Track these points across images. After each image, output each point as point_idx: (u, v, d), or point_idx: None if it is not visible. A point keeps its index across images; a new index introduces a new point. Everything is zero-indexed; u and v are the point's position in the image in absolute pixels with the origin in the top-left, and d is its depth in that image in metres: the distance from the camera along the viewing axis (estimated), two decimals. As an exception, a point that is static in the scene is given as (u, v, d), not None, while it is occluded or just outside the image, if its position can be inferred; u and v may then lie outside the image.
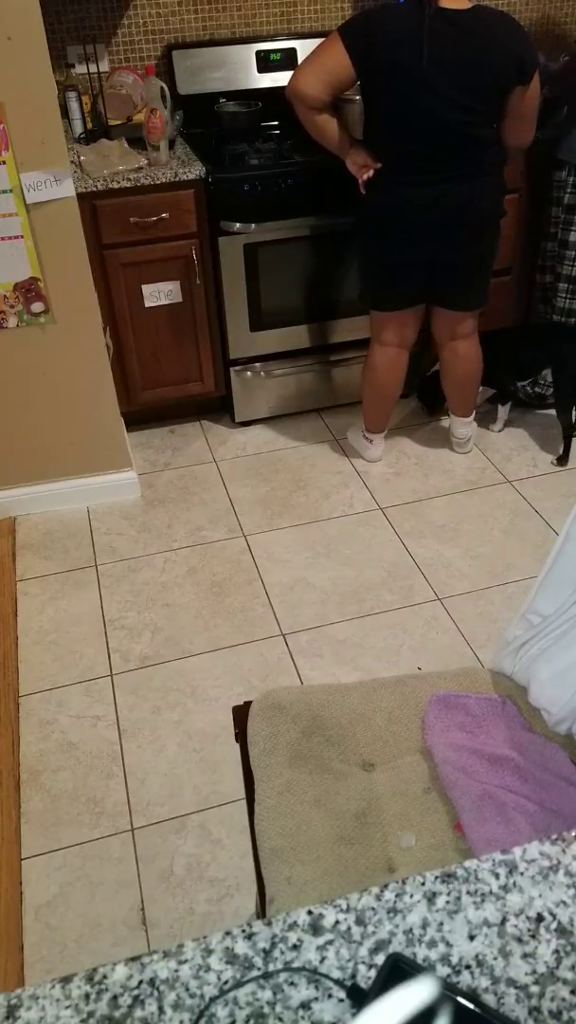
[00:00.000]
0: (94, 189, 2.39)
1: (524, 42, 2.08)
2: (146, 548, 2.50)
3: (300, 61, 2.79)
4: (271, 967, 0.67)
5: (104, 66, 2.78)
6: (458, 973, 0.66)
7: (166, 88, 2.48)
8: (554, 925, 0.69)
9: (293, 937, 0.68)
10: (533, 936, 0.68)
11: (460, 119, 2.10)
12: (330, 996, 0.65)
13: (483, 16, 2.03)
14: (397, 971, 0.64)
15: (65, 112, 2.57)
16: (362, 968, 0.66)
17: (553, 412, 2.83)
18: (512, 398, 2.92)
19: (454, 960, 0.67)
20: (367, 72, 2.08)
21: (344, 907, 0.71)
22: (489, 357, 2.68)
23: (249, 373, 2.87)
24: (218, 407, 3.08)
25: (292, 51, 2.84)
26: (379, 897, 0.71)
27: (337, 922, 0.70)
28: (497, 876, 0.73)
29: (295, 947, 0.68)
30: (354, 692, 1.30)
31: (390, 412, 2.74)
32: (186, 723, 1.98)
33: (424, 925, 0.69)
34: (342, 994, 0.65)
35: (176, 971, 0.66)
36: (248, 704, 1.29)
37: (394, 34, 2.03)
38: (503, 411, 2.94)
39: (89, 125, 2.66)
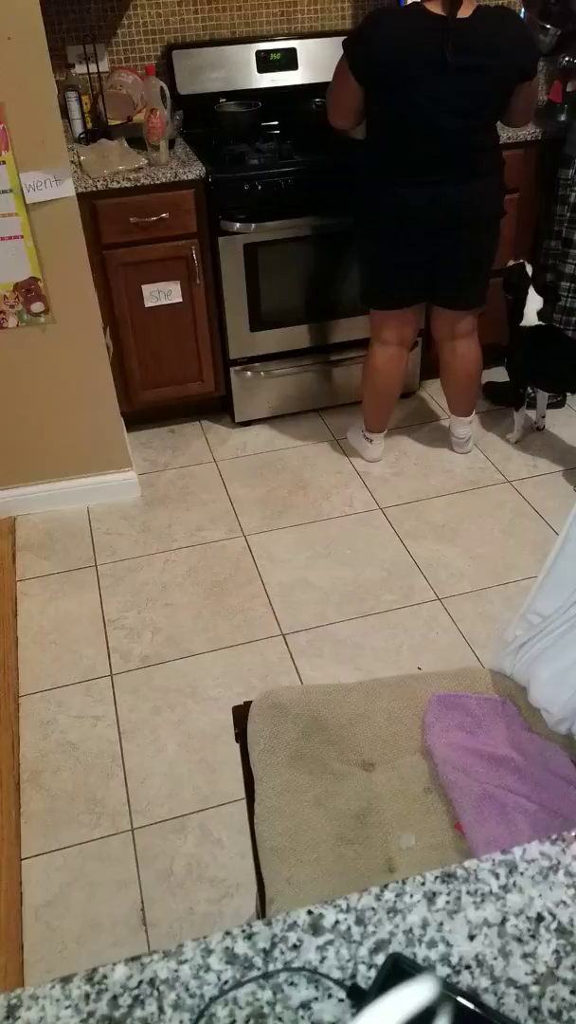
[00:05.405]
0: (94, 189, 2.39)
1: (526, 45, 2.09)
2: (146, 548, 2.50)
3: (300, 62, 2.82)
4: (271, 967, 0.66)
5: (104, 66, 2.78)
6: (458, 973, 0.66)
7: (166, 88, 2.48)
8: (554, 925, 0.69)
9: (293, 937, 0.68)
10: (533, 936, 0.68)
11: (464, 125, 2.11)
12: (330, 996, 0.65)
13: (486, 21, 2.02)
14: (397, 971, 0.64)
15: (65, 112, 2.57)
16: (362, 968, 0.66)
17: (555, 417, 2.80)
18: (524, 401, 2.80)
19: (454, 960, 0.67)
20: (372, 82, 2.09)
21: (344, 907, 0.71)
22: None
23: (249, 373, 2.87)
24: (218, 407, 3.08)
25: (292, 51, 2.84)
26: (379, 897, 0.71)
27: (337, 922, 0.70)
28: (497, 876, 0.73)
29: (295, 947, 0.68)
30: (354, 692, 1.30)
31: (390, 412, 2.74)
32: (186, 723, 1.98)
33: (424, 925, 0.69)
34: (342, 994, 0.65)
35: (176, 971, 0.66)
36: (248, 704, 1.29)
37: (402, 43, 2.02)
38: (519, 417, 2.82)
39: (89, 125, 2.66)
